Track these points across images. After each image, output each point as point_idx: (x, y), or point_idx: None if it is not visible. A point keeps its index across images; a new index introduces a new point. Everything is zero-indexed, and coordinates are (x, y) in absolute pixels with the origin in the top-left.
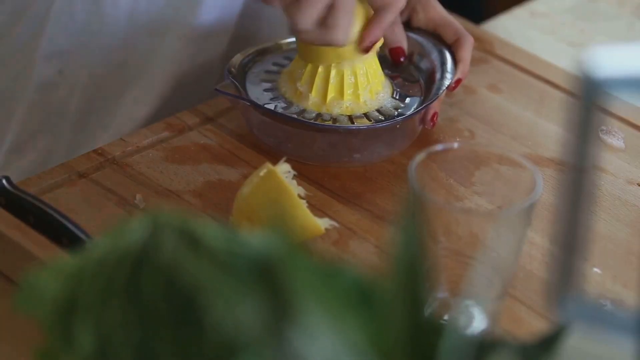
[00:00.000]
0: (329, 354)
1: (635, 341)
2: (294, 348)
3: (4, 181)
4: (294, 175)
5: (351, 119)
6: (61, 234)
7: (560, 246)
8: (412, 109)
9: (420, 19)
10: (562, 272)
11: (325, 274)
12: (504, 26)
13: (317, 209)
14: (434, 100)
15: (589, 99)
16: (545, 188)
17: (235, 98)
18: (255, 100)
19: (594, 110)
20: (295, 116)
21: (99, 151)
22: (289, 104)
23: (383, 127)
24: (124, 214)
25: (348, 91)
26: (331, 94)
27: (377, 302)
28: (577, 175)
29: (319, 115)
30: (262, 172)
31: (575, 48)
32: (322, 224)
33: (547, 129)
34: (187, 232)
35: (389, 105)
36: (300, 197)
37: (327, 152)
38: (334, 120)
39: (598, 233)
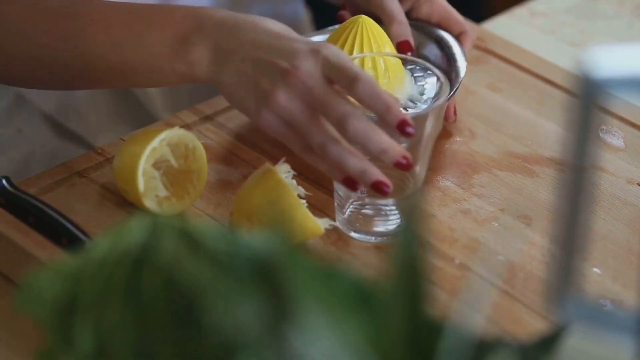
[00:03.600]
0: (328, 354)
1: (635, 341)
2: (293, 348)
3: (3, 181)
4: (294, 175)
5: None
6: (61, 234)
7: (560, 246)
8: (434, 92)
9: (422, 11)
10: (562, 272)
11: (325, 275)
12: (504, 26)
13: (317, 209)
14: (458, 87)
15: (589, 98)
16: (545, 187)
17: None
18: None
19: (594, 110)
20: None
21: (99, 151)
22: None
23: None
24: (123, 214)
25: (384, 81)
26: None
27: (377, 302)
28: (577, 175)
29: None
30: (262, 172)
31: (575, 48)
32: (322, 224)
33: (547, 128)
34: (186, 233)
35: (415, 92)
36: (300, 197)
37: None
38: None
39: (598, 233)
